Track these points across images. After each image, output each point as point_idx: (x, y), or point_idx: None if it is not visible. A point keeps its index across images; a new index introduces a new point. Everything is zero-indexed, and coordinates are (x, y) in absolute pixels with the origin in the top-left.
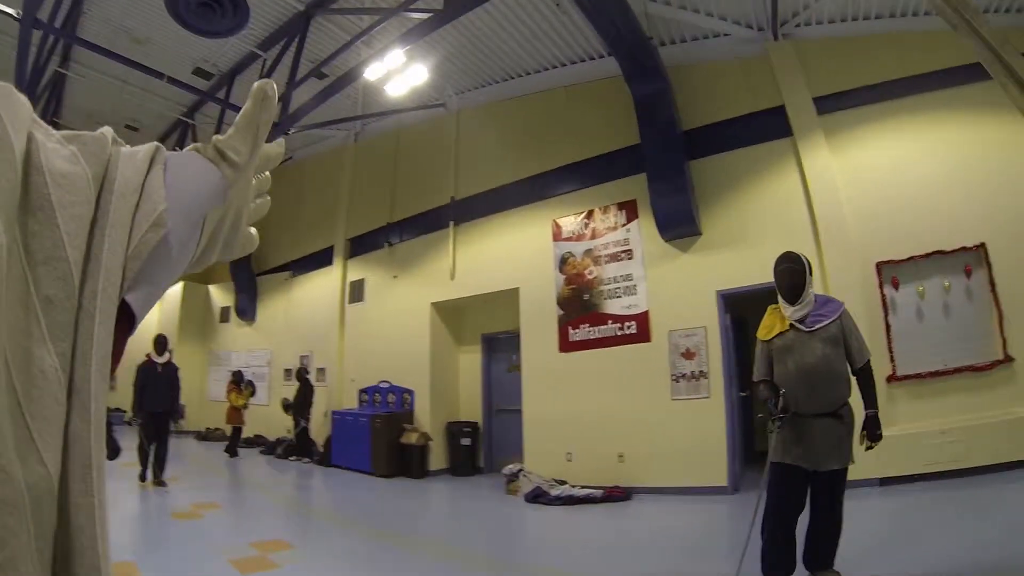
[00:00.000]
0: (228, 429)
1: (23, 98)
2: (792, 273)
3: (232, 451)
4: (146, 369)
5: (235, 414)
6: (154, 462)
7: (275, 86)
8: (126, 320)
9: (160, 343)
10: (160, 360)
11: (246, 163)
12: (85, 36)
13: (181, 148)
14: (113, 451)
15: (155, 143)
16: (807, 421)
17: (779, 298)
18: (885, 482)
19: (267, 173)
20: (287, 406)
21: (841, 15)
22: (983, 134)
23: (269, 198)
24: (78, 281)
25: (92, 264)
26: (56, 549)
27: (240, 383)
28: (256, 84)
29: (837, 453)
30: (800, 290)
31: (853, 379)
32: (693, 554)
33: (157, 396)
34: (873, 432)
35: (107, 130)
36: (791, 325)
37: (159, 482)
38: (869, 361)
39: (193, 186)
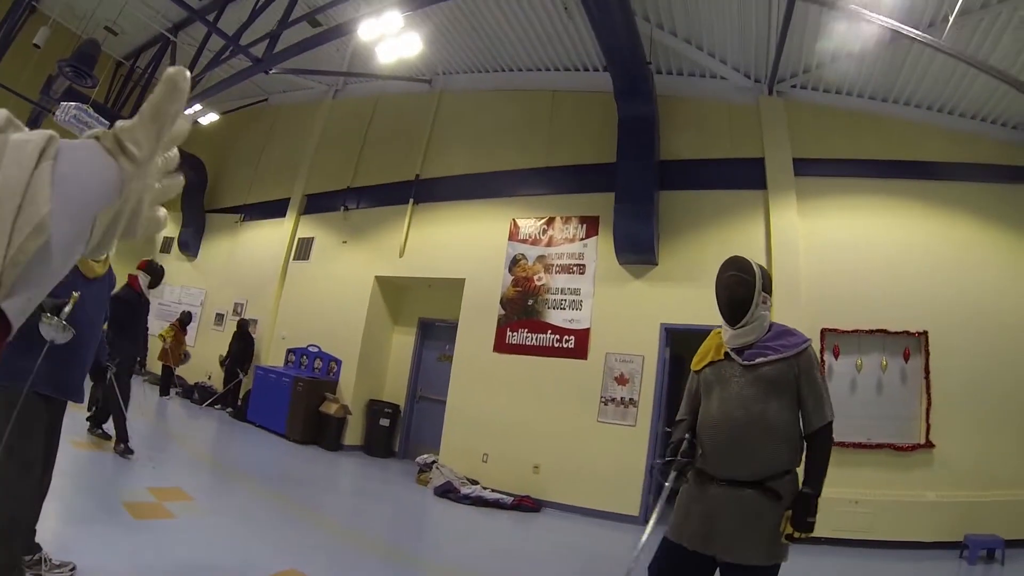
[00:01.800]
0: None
1: None
2: (738, 284)
3: (163, 390)
4: (134, 303)
5: (170, 353)
6: (103, 414)
7: (188, 76)
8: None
9: (161, 274)
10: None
11: (148, 157)
12: None
13: (158, 64)
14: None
15: (49, 132)
16: (715, 489)
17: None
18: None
19: (175, 151)
20: (224, 361)
21: (837, 87)
22: (942, 229)
23: (181, 177)
24: None
25: None
26: None
27: (185, 326)
28: (167, 72)
29: (753, 541)
30: (745, 307)
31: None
32: None
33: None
34: (801, 518)
35: None
36: (726, 354)
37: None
38: (830, 424)
39: (85, 184)
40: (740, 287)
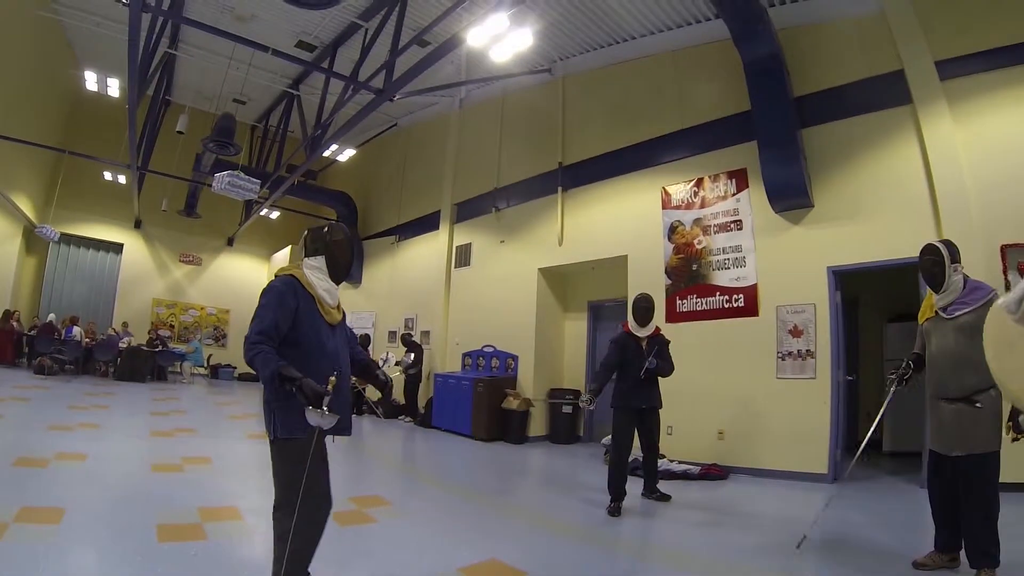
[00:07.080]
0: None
1: None
2: (931, 265)
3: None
4: (623, 344)
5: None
6: (645, 475)
7: None
8: None
9: (644, 306)
10: (643, 332)
11: None
12: (191, 16)
13: (288, 118)
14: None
15: None
16: (937, 405)
17: None
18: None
19: None
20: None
21: None
22: None
23: None
24: None
25: None
26: None
27: (365, 347)
28: None
29: (964, 440)
30: (939, 280)
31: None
32: (778, 547)
33: (641, 385)
34: (1019, 424)
35: None
36: (936, 312)
37: (660, 495)
38: None
39: None
40: (935, 267)
